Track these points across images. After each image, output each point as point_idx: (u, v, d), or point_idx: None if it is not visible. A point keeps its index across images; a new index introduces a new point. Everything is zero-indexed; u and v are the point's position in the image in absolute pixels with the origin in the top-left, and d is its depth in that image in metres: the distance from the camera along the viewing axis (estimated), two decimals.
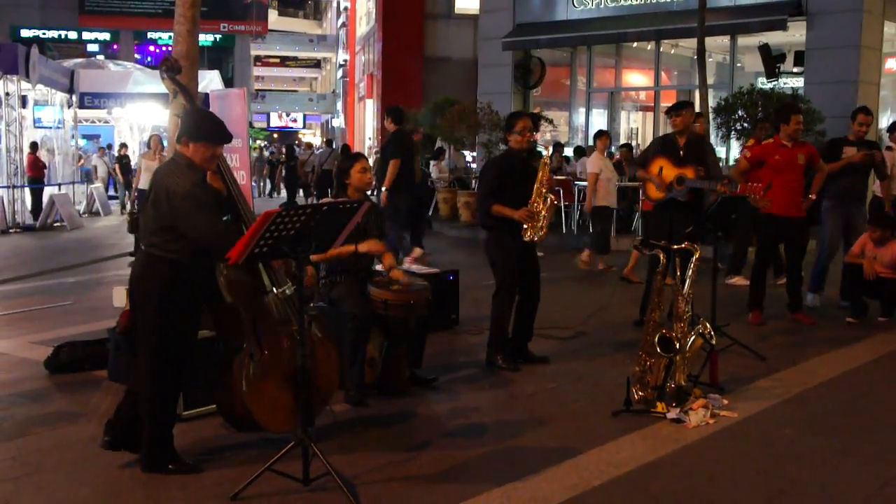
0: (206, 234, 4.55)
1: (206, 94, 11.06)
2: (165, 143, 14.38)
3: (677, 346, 5.75)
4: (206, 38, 44.09)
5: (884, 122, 18.18)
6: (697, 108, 15.18)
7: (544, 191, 6.73)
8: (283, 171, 25.40)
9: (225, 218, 5.11)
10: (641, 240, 7.82)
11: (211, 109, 9.00)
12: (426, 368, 6.53)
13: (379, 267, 6.45)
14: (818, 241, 9.39)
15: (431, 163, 19.75)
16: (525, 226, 6.69)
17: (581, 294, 10.27)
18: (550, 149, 11.59)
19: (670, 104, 8.58)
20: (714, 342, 6.22)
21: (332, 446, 4.94)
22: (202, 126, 4.74)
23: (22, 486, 4.65)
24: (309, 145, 33.22)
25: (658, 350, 5.73)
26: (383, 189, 10.92)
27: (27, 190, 19.51)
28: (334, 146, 27.83)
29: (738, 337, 7.28)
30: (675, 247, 6.18)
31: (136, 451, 4.84)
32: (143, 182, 13.59)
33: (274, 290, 4.99)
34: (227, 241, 4.55)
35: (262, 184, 32.18)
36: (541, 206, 6.69)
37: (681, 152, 7.99)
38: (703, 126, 12.06)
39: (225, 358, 4.99)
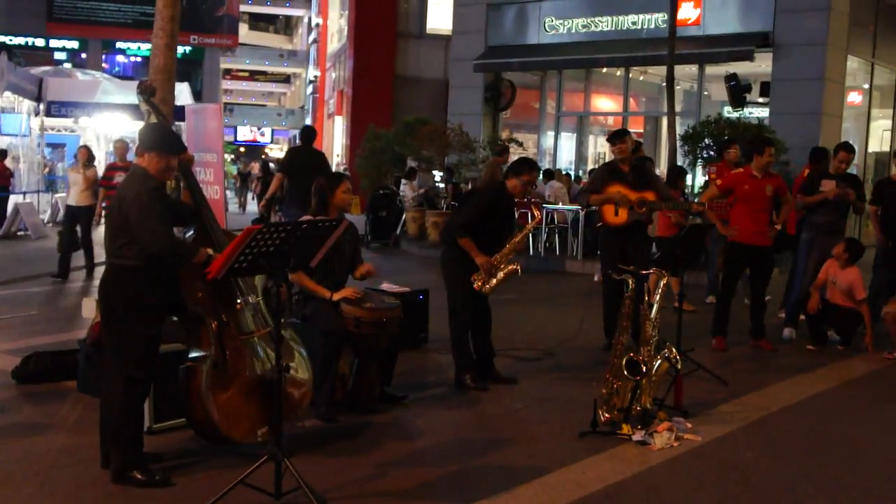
0: (147, 238, 4.67)
1: (182, 107, 11.07)
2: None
3: (644, 369, 5.86)
4: None
5: None
6: (665, 136, 15.47)
7: (511, 255, 6.87)
8: (259, 187, 25.27)
9: (189, 233, 5.21)
10: (603, 265, 7.94)
11: (186, 123, 9.06)
12: (396, 386, 6.59)
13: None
14: (793, 274, 9.51)
15: (403, 182, 19.80)
16: (480, 273, 6.83)
17: (550, 316, 10.38)
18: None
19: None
20: (680, 367, 6.34)
21: (303, 461, 4.97)
22: (156, 137, 4.94)
23: None
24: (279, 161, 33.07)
25: (625, 373, 5.84)
26: (264, 198, 12.25)
27: None
28: None
29: (702, 362, 7.41)
30: (644, 272, 6.29)
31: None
32: (71, 197, 12.88)
33: (239, 300, 5.13)
34: (169, 248, 4.73)
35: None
36: (503, 265, 6.83)
37: (629, 177, 8.15)
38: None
39: (190, 367, 5.06)
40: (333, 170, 31.82)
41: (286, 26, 65.78)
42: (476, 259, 6.80)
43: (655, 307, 6.22)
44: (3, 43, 40.17)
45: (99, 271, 12.14)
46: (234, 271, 4.54)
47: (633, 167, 8.22)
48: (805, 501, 4.92)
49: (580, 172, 21.37)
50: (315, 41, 49.72)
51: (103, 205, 12.05)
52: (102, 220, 12.52)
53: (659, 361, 6.10)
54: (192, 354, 5.10)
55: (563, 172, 19.72)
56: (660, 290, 6.25)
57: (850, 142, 17.81)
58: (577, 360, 7.99)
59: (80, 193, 12.69)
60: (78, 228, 12.71)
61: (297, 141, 12.43)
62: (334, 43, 41.04)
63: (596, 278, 12.04)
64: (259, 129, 59.49)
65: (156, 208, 4.73)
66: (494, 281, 6.84)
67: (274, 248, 4.49)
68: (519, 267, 6.92)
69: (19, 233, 18.71)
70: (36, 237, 18.20)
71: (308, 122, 52.37)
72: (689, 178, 17.75)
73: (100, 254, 12.76)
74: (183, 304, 5.07)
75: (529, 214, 7.40)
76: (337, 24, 40.49)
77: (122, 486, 4.73)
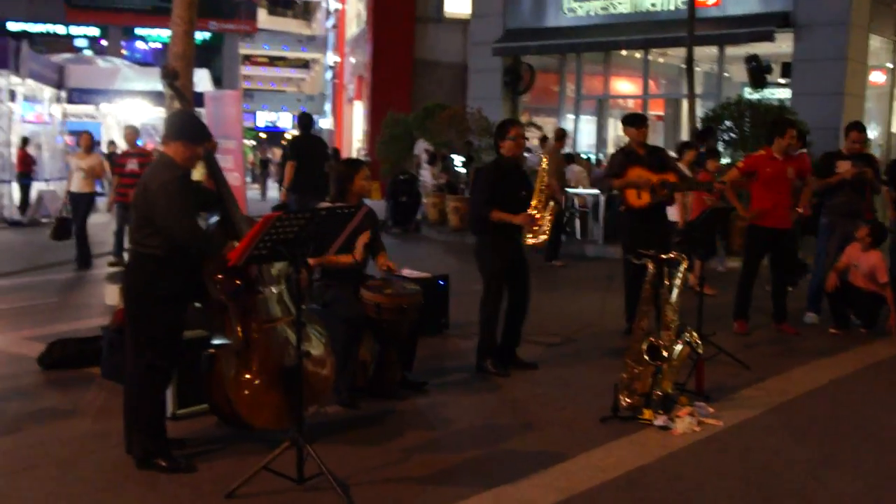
0: (174, 227, 4.69)
1: (202, 94, 11.11)
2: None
3: (665, 354, 5.84)
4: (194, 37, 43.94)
5: (869, 134, 18.35)
6: (685, 119, 15.38)
7: (544, 197, 6.84)
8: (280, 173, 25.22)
9: (214, 219, 5.23)
10: (624, 248, 7.87)
11: (205, 110, 9.09)
12: (417, 372, 6.61)
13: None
14: (814, 258, 9.43)
15: (426, 167, 19.69)
16: (526, 230, 6.82)
17: (572, 301, 10.37)
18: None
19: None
20: (701, 351, 6.31)
21: (324, 447, 4.99)
22: (182, 126, 4.95)
23: (16, 481, 4.70)
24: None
25: (646, 358, 5.82)
26: (283, 188, 12.30)
27: (15, 185, 19.45)
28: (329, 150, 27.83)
29: (724, 346, 7.38)
30: (664, 256, 6.26)
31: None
32: (74, 184, 12.55)
33: (262, 287, 5.16)
34: (195, 238, 4.76)
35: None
36: (542, 212, 6.81)
37: (647, 160, 8.06)
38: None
39: (213, 354, 5.10)
40: (354, 155, 31.83)
41: (305, 11, 65.64)
42: (514, 220, 6.78)
43: (676, 291, 6.20)
44: (25, 31, 40.44)
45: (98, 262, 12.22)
46: (253, 258, 4.56)
47: (648, 151, 8.15)
48: (827, 485, 4.90)
49: (600, 156, 21.27)
50: (334, 26, 49.64)
51: (120, 192, 12.02)
52: (112, 208, 12.58)
53: (680, 346, 6.08)
54: (215, 341, 5.13)
55: (584, 157, 19.61)
56: (680, 274, 6.23)
57: (874, 122, 17.67)
58: (598, 346, 7.98)
59: (82, 181, 12.50)
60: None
61: (298, 128, 12.86)
62: (353, 28, 40.99)
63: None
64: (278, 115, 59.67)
65: (182, 198, 4.74)
66: (545, 226, 6.85)
67: (293, 236, 4.50)
68: (557, 201, 6.92)
69: (42, 220, 18.85)
70: None
71: (328, 107, 52.48)
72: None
73: (101, 243, 12.81)
74: (206, 291, 5.11)
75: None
76: (355, 9, 40.41)
77: (146, 471, 4.77)
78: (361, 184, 6.25)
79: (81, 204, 12.54)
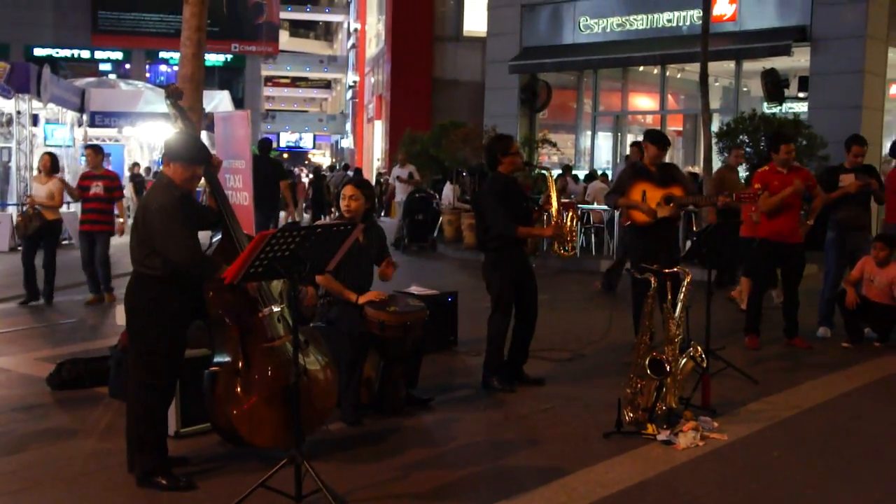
0: (171, 249, 4.73)
1: (212, 115, 11.25)
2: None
3: (668, 368, 5.81)
4: (217, 59, 44.48)
5: (888, 147, 18.24)
6: (701, 134, 15.34)
7: (561, 208, 6.87)
8: (311, 192, 25.28)
9: (216, 238, 5.27)
10: (631, 263, 7.85)
11: (215, 130, 9.17)
12: (423, 388, 6.61)
13: None
14: (823, 272, 9.36)
15: (447, 185, 19.57)
16: (555, 242, 6.88)
17: (581, 317, 10.34)
18: (554, 172, 11.67)
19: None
20: (705, 365, 6.29)
21: (326, 464, 5.02)
22: (181, 147, 5.00)
23: (20, 499, 4.74)
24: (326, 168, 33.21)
25: (648, 372, 5.80)
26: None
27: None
28: (349, 171, 27.99)
29: (734, 361, 7.34)
30: (667, 271, 6.24)
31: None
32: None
33: (262, 307, 5.18)
34: (193, 260, 4.78)
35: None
36: (562, 220, 6.85)
37: (655, 176, 8.03)
38: None
39: (214, 372, 5.12)
40: (374, 174, 31.89)
41: (326, 32, 66.22)
42: (545, 233, 6.95)
43: (679, 306, 6.18)
44: (51, 56, 40.97)
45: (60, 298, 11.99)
46: (250, 276, 4.59)
47: (659, 167, 8.09)
48: (830, 500, 4.86)
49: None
50: (354, 46, 50.01)
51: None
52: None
53: (684, 360, 6.06)
54: (217, 359, 5.16)
55: (600, 173, 19.58)
56: (683, 289, 6.21)
57: (893, 137, 17.55)
58: (607, 361, 7.95)
59: (44, 209, 11.31)
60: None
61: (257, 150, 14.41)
62: (372, 48, 41.27)
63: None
64: (301, 135, 60.08)
65: (180, 220, 4.78)
66: (570, 234, 6.89)
67: (289, 253, 4.53)
68: (572, 211, 6.98)
69: (64, 241, 18.99)
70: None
71: (349, 126, 52.81)
72: None
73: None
74: (208, 309, 5.15)
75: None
76: (375, 29, 40.70)
77: (146, 489, 4.80)
78: (345, 203, 6.27)
79: (45, 233, 11.33)
